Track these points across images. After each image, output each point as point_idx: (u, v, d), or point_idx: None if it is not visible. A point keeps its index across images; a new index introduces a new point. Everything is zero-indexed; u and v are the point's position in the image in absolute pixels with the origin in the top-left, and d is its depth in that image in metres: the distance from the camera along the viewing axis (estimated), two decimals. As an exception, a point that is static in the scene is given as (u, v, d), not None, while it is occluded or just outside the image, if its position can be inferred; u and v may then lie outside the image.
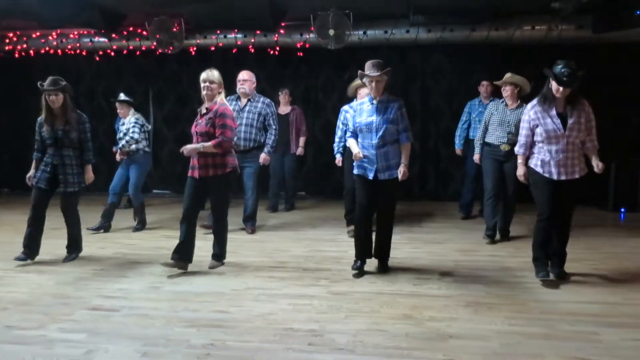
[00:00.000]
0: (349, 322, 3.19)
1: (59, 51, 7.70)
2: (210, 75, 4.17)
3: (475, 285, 3.85)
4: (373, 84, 4.01)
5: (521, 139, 4.03)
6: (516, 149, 4.10)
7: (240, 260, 4.59)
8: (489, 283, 3.89)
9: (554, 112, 3.81)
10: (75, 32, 7.44)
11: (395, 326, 3.13)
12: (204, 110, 4.21)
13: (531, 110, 3.92)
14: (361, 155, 4.02)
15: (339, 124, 5.32)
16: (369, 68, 3.98)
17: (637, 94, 7.15)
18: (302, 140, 7.07)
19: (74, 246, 4.66)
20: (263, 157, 5.61)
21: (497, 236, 5.26)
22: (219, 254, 4.40)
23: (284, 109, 7.05)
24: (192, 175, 4.21)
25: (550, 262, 4.00)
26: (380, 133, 4.02)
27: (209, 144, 4.09)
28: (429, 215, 6.75)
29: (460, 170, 7.08)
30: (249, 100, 5.60)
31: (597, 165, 3.86)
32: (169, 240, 5.05)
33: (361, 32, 6.82)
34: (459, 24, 6.59)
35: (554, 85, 3.75)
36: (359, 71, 4.06)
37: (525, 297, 3.60)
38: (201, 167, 4.15)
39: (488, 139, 5.20)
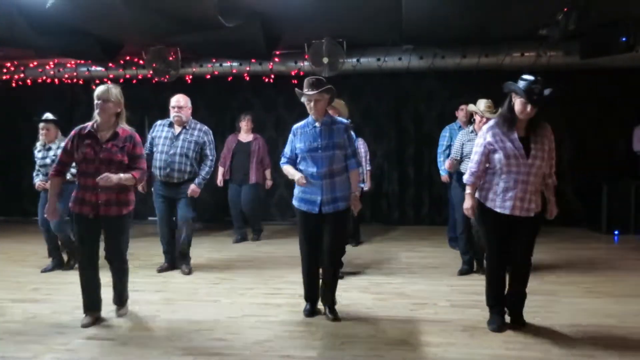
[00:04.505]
0: (345, 349, 3.19)
1: (56, 80, 7.78)
2: (106, 92, 3.48)
3: (472, 310, 3.86)
4: (312, 104, 3.59)
5: (473, 165, 3.43)
6: (465, 177, 3.51)
7: (236, 286, 4.58)
8: (485, 308, 3.88)
9: (515, 135, 3.28)
10: (72, 62, 7.53)
11: (392, 352, 3.13)
12: (107, 135, 3.50)
13: (488, 133, 3.35)
14: (303, 181, 3.58)
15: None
16: (307, 86, 3.58)
17: (625, 118, 7.30)
18: (268, 172, 6.77)
19: None
20: (193, 189, 4.94)
21: (475, 268, 4.97)
22: (123, 298, 3.83)
23: (245, 136, 6.74)
24: (84, 213, 3.48)
25: (508, 305, 3.55)
26: (326, 161, 3.60)
27: (129, 175, 3.48)
28: (424, 240, 6.76)
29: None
30: (184, 127, 5.00)
31: (551, 210, 3.45)
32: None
33: (354, 60, 6.95)
34: (449, 51, 6.72)
35: (518, 104, 3.22)
36: (296, 89, 3.67)
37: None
38: (102, 205, 3.47)
39: (462, 169, 4.76)
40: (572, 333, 3.38)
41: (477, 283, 4.61)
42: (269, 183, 6.83)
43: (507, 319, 3.56)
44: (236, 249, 6.32)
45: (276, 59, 7.16)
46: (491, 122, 3.42)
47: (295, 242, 6.57)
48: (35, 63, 7.63)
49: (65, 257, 5.29)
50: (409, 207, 8.04)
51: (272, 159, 6.91)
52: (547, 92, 3.19)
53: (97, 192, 3.45)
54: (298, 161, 3.74)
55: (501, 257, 3.47)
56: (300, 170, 3.69)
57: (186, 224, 5.03)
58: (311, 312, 3.82)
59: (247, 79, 7.51)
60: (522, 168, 3.26)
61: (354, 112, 6.70)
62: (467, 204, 3.50)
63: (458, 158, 4.85)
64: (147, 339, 3.37)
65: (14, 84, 7.86)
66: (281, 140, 7.94)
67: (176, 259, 5.15)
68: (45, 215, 3.66)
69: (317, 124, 3.66)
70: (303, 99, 3.65)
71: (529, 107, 3.19)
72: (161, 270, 5.10)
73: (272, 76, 7.44)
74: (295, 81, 7.44)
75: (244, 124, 6.74)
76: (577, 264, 5.17)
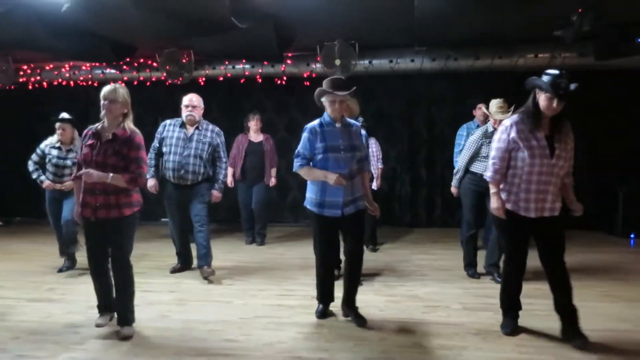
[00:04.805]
0: (357, 351, 3.18)
1: (71, 82, 7.88)
2: (114, 92, 3.37)
3: (485, 313, 3.84)
4: (337, 104, 3.52)
5: (495, 161, 3.26)
6: (488, 175, 3.34)
7: (248, 288, 4.60)
8: (498, 310, 3.84)
9: (541, 134, 3.15)
10: (87, 64, 7.63)
11: (404, 354, 3.12)
12: (109, 136, 3.39)
13: (512, 128, 3.19)
14: (343, 180, 3.43)
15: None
16: (334, 87, 3.49)
17: (638, 119, 7.21)
18: (273, 171, 6.65)
19: None
20: (215, 195, 4.98)
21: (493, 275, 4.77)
22: (127, 317, 3.50)
23: (255, 136, 6.64)
24: (85, 216, 3.42)
25: (562, 323, 3.31)
26: (349, 161, 3.55)
27: (120, 176, 3.32)
28: (436, 242, 6.73)
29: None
30: (196, 128, 4.93)
31: (577, 207, 3.30)
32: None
33: (367, 62, 6.95)
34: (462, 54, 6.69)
35: (543, 99, 3.09)
36: (319, 88, 3.55)
37: (534, 324, 3.57)
38: (101, 207, 3.36)
39: (473, 168, 4.74)
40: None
41: (490, 286, 4.58)
42: (273, 181, 6.67)
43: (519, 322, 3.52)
44: (248, 250, 6.35)
45: (288, 61, 7.18)
46: (515, 117, 3.24)
47: (308, 244, 6.63)
48: (51, 66, 7.74)
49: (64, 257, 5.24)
50: (421, 209, 8.02)
51: (282, 160, 6.95)
52: (573, 87, 3.06)
53: (96, 194, 3.36)
54: (313, 163, 3.60)
55: (521, 261, 3.36)
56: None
57: (205, 225, 4.90)
58: (324, 313, 3.81)
59: (260, 81, 7.55)
60: (546, 168, 3.14)
61: (366, 114, 6.68)
62: (495, 203, 3.31)
63: (462, 169, 4.81)
64: (160, 339, 3.40)
65: (30, 87, 7.98)
66: (294, 142, 7.93)
67: (198, 260, 4.94)
68: (76, 218, 3.55)
69: (337, 125, 3.60)
70: (326, 99, 3.56)
71: (555, 103, 3.06)
72: (174, 271, 5.12)
73: (285, 78, 7.47)
74: (308, 83, 7.48)
75: (253, 123, 6.63)
76: (592, 267, 5.11)
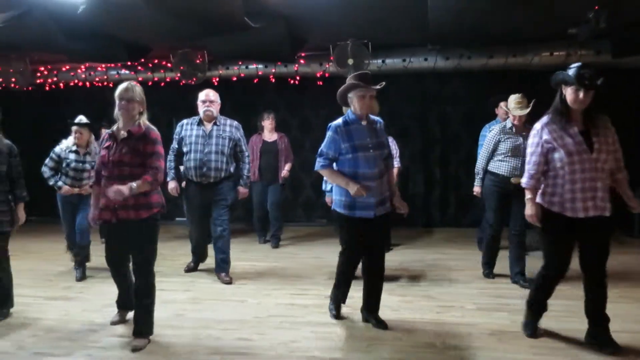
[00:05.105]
0: (371, 351, 3.19)
1: (87, 83, 7.98)
2: (130, 91, 3.29)
3: (500, 314, 3.82)
4: (366, 99, 3.38)
5: (531, 167, 3.18)
6: (524, 181, 3.24)
7: (261, 287, 4.62)
8: (513, 311, 3.84)
9: (575, 129, 3.05)
10: (103, 65, 7.71)
11: (418, 355, 3.11)
12: (124, 135, 3.30)
13: (543, 130, 3.12)
14: (363, 192, 3.32)
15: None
16: (366, 80, 3.35)
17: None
18: (288, 165, 6.52)
19: (3, 300, 3.87)
20: (242, 191, 4.93)
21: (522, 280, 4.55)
22: (141, 328, 3.34)
23: (270, 135, 6.58)
24: (106, 220, 3.33)
25: (590, 327, 3.23)
26: (378, 160, 3.42)
27: (140, 182, 3.16)
28: (450, 242, 6.70)
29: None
30: (214, 124, 4.80)
31: (635, 204, 3.12)
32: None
33: (380, 61, 6.93)
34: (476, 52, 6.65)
35: (570, 93, 3.02)
36: (352, 82, 3.39)
37: (549, 325, 3.54)
38: (119, 208, 3.24)
39: (493, 168, 4.61)
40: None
41: (504, 286, 4.55)
42: (285, 172, 6.49)
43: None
44: (261, 249, 6.37)
45: (301, 61, 7.19)
46: (544, 119, 3.16)
47: (320, 243, 6.64)
48: (67, 67, 7.83)
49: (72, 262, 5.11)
50: (434, 209, 7.98)
51: (295, 159, 6.95)
52: (599, 82, 2.99)
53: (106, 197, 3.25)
54: (340, 163, 3.45)
55: (564, 267, 3.17)
56: (347, 173, 3.41)
57: (227, 230, 4.79)
58: (339, 314, 3.80)
59: (273, 80, 7.57)
60: (587, 164, 2.99)
61: (379, 113, 6.67)
62: (529, 210, 3.21)
63: (483, 167, 4.69)
64: (175, 338, 3.43)
65: (47, 88, 8.09)
66: (307, 141, 7.99)
67: (217, 265, 4.85)
68: (91, 222, 3.52)
69: (363, 122, 3.45)
70: (354, 94, 3.39)
71: (581, 94, 2.97)
72: (188, 270, 5.14)
73: (297, 78, 7.48)
74: (321, 83, 7.49)
75: (268, 122, 6.56)
76: (609, 268, 5.03)
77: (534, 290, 3.38)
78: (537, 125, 3.18)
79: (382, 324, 3.57)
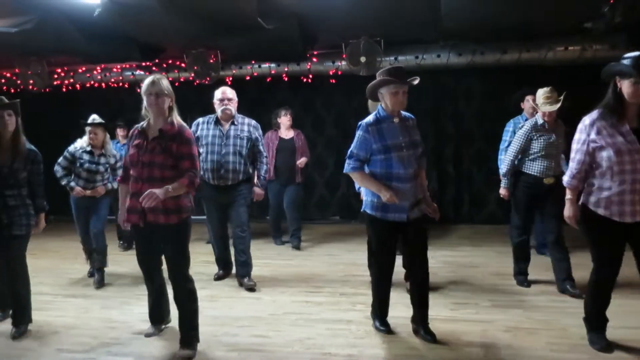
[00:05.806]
0: (386, 347, 3.21)
1: (103, 84, 8.09)
2: (158, 84, 3.05)
3: (515, 310, 3.81)
4: (399, 96, 3.19)
5: (574, 166, 2.96)
6: (566, 179, 3.05)
7: (276, 285, 4.65)
8: (529, 308, 3.83)
9: (626, 127, 2.80)
10: (118, 66, 7.81)
11: (433, 351, 3.13)
12: (155, 133, 3.08)
13: (592, 128, 2.86)
14: (395, 199, 3.10)
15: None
16: (399, 76, 3.15)
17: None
18: (304, 159, 6.25)
19: (22, 313, 3.58)
20: (258, 192, 4.75)
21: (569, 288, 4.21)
22: (187, 337, 3.19)
23: (286, 132, 6.29)
24: (134, 223, 3.13)
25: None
26: (412, 160, 3.23)
27: (177, 184, 2.96)
28: (464, 239, 6.68)
29: (495, 191, 6.98)
30: (232, 123, 4.62)
31: None
32: (208, 266, 5.16)
33: (392, 58, 6.91)
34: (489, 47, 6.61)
35: (627, 86, 2.74)
36: (384, 77, 3.18)
37: (566, 322, 3.53)
38: (148, 211, 3.01)
39: (526, 169, 4.29)
40: (620, 335, 3.27)
41: (520, 283, 4.53)
42: (302, 162, 6.22)
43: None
44: (276, 248, 6.40)
45: (314, 59, 7.21)
46: (594, 114, 2.89)
47: (334, 241, 6.66)
48: (83, 68, 7.94)
49: (88, 265, 5.06)
50: (448, 206, 7.95)
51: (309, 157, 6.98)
52: None
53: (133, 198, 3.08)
54: (372, 163, 3.25)
55: (615, 271, 3.01)
56: (379, 175, 3.21)
57: (246, 232, 4.61)
58: (388, 328, 3.47)
59: (286, 79, 7.60)
60: (639, 165, 2.77)
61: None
62: (568, 211, 3.05)
63: (511, 166, 4.36)
64: (193, 335, 3.47)
65: (64, 89, 8.22)
66: (320, 140, 8.00)
67: (237, 268, 4.69)
68: (120, 224, 3.33)
69: (395, 120, 3.24)
70: (387, 90, 3.18)
71: None
72: (218, 278, 4.86)
73: (310, 76, 7.50)
74: (333, 80, 7.50)
75: (286, 119, 6.24)
76: (626, 264, 4.98)
77: (590, 302, 3.16)
78: (586, 121, 2.92)
79: (429, 336, 3.29)
